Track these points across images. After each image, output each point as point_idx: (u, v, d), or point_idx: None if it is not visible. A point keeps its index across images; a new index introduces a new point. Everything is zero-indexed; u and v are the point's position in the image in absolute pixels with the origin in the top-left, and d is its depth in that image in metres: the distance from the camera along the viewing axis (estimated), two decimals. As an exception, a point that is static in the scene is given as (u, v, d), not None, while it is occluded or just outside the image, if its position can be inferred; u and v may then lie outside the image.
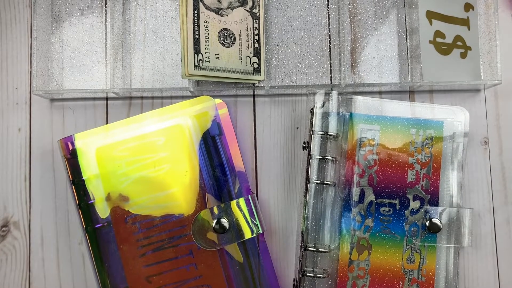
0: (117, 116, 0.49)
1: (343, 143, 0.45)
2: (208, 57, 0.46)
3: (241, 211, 0.44)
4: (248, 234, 0.44)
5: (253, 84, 0.48)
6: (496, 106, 0.50)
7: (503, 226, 0.48)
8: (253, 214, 0.45)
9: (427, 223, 0.44)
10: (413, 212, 0.45)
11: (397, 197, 0.45)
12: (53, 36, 0.50)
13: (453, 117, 0.46)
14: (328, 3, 0.50)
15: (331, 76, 0.49)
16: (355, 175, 0.45)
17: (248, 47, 0.48)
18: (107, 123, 0.49)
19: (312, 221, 0.44)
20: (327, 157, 0.44)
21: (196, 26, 0.46)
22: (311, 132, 0.45)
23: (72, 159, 0.45)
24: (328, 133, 0.45)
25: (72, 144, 0.45)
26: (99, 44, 0.50)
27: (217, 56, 0.46)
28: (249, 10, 0.48)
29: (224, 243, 0.44)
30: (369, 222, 0.44)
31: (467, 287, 0.48)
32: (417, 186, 0.45)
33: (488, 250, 0.48)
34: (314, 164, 0.44)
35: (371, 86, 0.49)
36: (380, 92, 0.50)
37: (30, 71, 0.49)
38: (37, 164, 0.49)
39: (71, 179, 0.45)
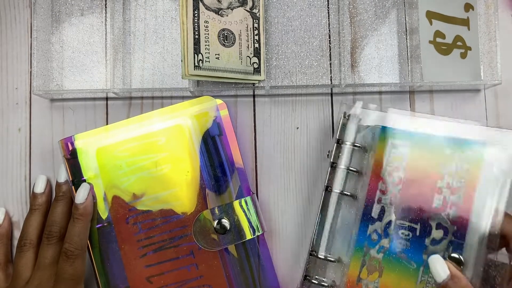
0: (117, 116, 0.49)
1: (370, 157, 0.43)
2: (208, 57, 0.46)
3: (242, 211, 0.44)
4: (248, 235, 0.44)
5: (253, 84, 0.48)
6: (496, 106, 0.50)
7: (503, 226, 0.48)
8: (254, 214, 0.45)
9: (447, 257, 0.40)
10: (434, 242, 0.40)
11: (419, 222, 0.41)
12: (53, 36, 0.49)
13: (503, 143, 0.41)
14: (328, 3, 0.50)
15: (331, 76, 0.49)
16: (377, 191, 0.42)
17: (248, 47, 0.48)
18: (107, 123, 0.49)
19: (326, 230, 0.43)
20: (351, 169, 0.43)
21: (196, 26, 0.46)
22: (338, 141, 0.44)
23: (72, 159, 0.45)
24: (356, 144, 0.44)
25: (72, 144, 0.45)
26: (99, 44, 0.50)
27: (217, 56, 0.46)
28: (249, 10, 0.48)
29: (225, 243, 0.44)
30: (385, 242, 0.41)
31: (467, 287, 0.48)
32: (442, 213, 0.41)
33: (488, 250, 0.48)
34: (339, 174, 0.43)
35: (371, 86, 0.49)
36: (380, 92, 0.50)
37: (30, 71, 0.49)
38: (37, 164, 0.49)
39: (71, 179, 0.45)
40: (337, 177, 0.43)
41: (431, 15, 0.48)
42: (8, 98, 0.49)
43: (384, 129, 0.43)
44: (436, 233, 0.40)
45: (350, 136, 0.43)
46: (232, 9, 0.48)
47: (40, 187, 0.46)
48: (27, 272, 0.42)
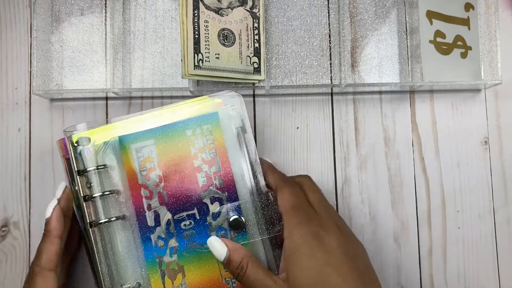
0: (117, 116, 0.49)
1: (121, 171, 0.41)
2: (208, 57, 0.46)
3: None
4: None
5: (253, 84, 0.48)
6: (496, 106, 0.50)
7: (503, 226, 0.48)
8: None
9: (229, 223, 0.40)
10: (215, 216, 0.40)
11: (194, 206, 0.41)
12: (53, 36, 0.49)
13: (227, 104, 0.42)
14: (328, 2, 0.50)
15: (331, 76, 0.49)
16: (143, 199, 0.41)
17: (248, 46, 0.48)
18: (106, 123, 0.49)
19: (111, 264, 0.40)
20: (106, 192, 0.40)
21: (196, 26, 0.46)
22: (79, 172, 0.40)
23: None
24: (99, 167, 0.41)
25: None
26: (99, 44, 0.50)
27: (217, 56, 0.46)
28: (249, 9, 0.48)
29: None
30: (173, 242, 0.40)
31: (467, 287, 0.48)
32: (210, 187, 0.41)
33: (488, 251, 0.48)
34: (98, 204, 0.40)
35: (371, 86, 0.49)
36: (380, 92, 0.50)
37: (30, 71, 0.49)
38: (37, 164, 0.49)
39: (70, 180, 0.45)
40: (97, 208, 0.40)
41: (432, 15, 0.48)
42: (7, 98, 0.49)
43: (121, 138, 0.41)
44: (213, 207, 0.41)
45: (90, 161, 0.41)
46: (232, 9, 0.47)
47: (48, 212, 0.43)
48: None
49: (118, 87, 0.47)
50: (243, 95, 0.49)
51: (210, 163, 0.41)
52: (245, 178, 0.41)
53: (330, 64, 0.49)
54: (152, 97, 0.49)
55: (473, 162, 0.49)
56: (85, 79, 0.49)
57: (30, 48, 0.50)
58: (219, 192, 0.41)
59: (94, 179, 0.40)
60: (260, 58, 0.48)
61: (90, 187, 0.40)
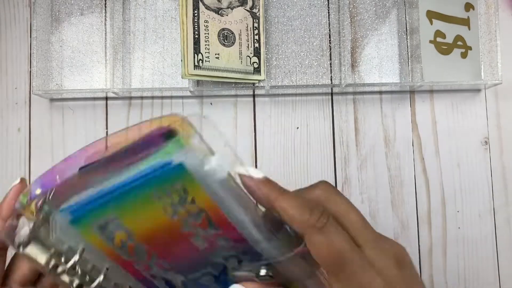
0: (117, 116, 0.49)
1: (96, 251, 0.30)
2: (208, 57, 0.46)
3: None
4: None
5: (253, 84, 0.48)
6: (496, 106, 0.50)
7: (503, 226, 0.48)
8: None
9: (257, 277, 0.30)
10: (236, 269, 0.32)
11: (207, 265, 0.31)
12: (52, 36, 0.49)
13: (196, 142, 0.27)
14: (328, 2, 0.50)
15: (331, 76, 0.49)
16: (142, 272, 0.32)
17: (248, 47, 0.48)
18: (107, 123, 0.49)
19: None
20: (100, 282, 0.30)
21: (196, 26, 0.46)
22: (52, 270, 0.29)
23: None
24: (75, 261, 0.29)
25: None
26: (99, 44, 0.49)
27: (217, 56, 0.46)
28: (249, 9, 0.48)
29: None
30: None
31: (467, 287, 0.48)
32: (218, 248, 0.30)
33: (489, 251, 0.48)
34: None
35: (371, 86, 0.49)
36: (380, 92, 0.50)
37: (30, 71, 0.49)
38: (36, 164, 0.48)
39: None
40: None
41: (432, 15, 0.48)
42: (7, 98, 0.49)
43: (67, 212, 0.27)
44: (231, 263, 0.31)
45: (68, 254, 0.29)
46: (232, 9, 0.47)
47: None
48: None
49: (118, 87, 0.47)
50: (243, 95, 0.49)
51: (202, 225, 0.29)
52: (254, 233, 0.29)
53: (330, 64, 0.49)
54: (152, 97, 0.49)
55: (473, 162, 0.49)
56: (85, 79, 0.49)
57: (30, 48, 0.50)
58: (231, 249, 0.31)
59: (78, 272, 0.30)
60: (260, 58, 0.48)
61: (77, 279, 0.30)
